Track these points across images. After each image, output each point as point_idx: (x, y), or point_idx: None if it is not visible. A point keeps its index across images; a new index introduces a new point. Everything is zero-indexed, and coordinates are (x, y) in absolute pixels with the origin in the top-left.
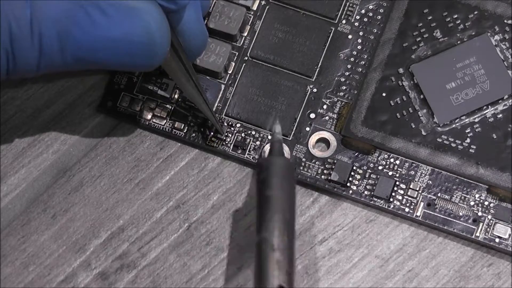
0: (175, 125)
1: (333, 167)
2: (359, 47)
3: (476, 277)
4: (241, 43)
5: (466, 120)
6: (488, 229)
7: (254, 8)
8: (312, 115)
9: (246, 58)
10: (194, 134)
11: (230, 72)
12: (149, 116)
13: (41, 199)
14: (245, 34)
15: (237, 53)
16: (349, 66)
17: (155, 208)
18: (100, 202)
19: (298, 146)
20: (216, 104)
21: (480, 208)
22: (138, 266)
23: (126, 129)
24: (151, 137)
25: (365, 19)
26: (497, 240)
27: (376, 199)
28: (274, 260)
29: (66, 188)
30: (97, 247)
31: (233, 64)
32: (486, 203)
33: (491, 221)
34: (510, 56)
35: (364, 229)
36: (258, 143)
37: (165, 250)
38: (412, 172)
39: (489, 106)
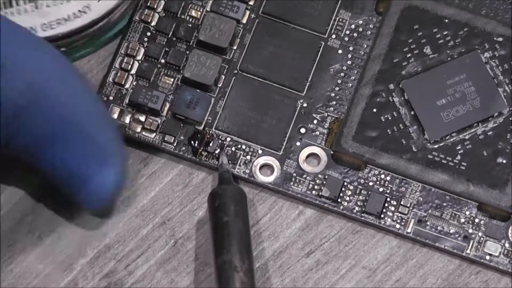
0: (165, 138)
1: (324, 182)
2: (349, 62)
3: (464, 285)
4: (231, 56)
5: (457, 137)
6: (479, 247)
7: (244, 21)
8: (303, 130)
9: (236, 71)
10: (184, 148)
11: (220, 85)
12: (138, 129)
13: (26, 220)
14: (235, 47)
15: (227, 66)
16: (339, 81)
17: (140, 225)
18: (85, 221)
19: (289, 161)
20: (206, 118)
21: (470, 225)
22: (126, 284)
23: None
24: (134, 154)
25: (355, 34)
26: (487, 257)
27: (367, 215)
28: (239, 281)
29: (51, 208)
30: (84, 266)
31: (223, 77)
32: (476, 220)
33: (482, 238)
34: (500, 74)
35: (350, 240)
36: (248, 157)
37: (152, 267)
38: (403, 189)
39: (480, 124)
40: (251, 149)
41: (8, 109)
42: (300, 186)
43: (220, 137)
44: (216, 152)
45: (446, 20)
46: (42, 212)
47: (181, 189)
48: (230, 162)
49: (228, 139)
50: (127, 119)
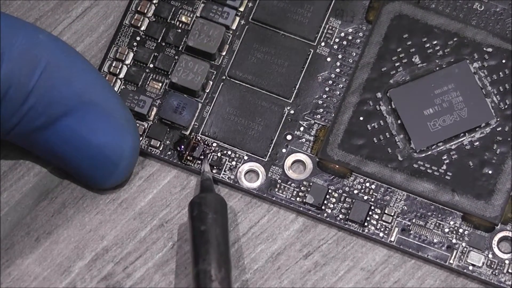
0: (151, 143)
1: (309, 189)
2: (337, 70)
3: (462, 286)
4: (220, 62)
5: (443, 146)
6: (462, 257)
7: (234, 27)
8: (289, 137)
9: (224, 77)
10: (169, 152)
11: (207, 91)
12: None
13: (24, 222)
14: (224, 53)
15: (215, 72)
16: (327, 89)
17: (138, 227)
18: (83, 223)
19: (274, 167)
20: (192, 123)
21: (454, 235)
22: (124, 287)
23: None
24: None
25: (344, 42)
26: (470, 268)
27: (350, 223)
28: None
29: (49, 211)
30: (82, 269)
31: (211, 83)
32: (460, 230)
33: (465, 248)
34: (488, 84)
35: (348, 241)
36: (234, 163)
37: (150, 270)
38: (388, 197)
39: (466, 134)
40: (237, 155)
41: (19, 92)
42: (284, 192)
43: (206, 142)
44: (202, 157)
45: (436, 30)
46: (39, 214)
47: (178, 191)
48: (215, 167)
49: (214, 144)
50: None
